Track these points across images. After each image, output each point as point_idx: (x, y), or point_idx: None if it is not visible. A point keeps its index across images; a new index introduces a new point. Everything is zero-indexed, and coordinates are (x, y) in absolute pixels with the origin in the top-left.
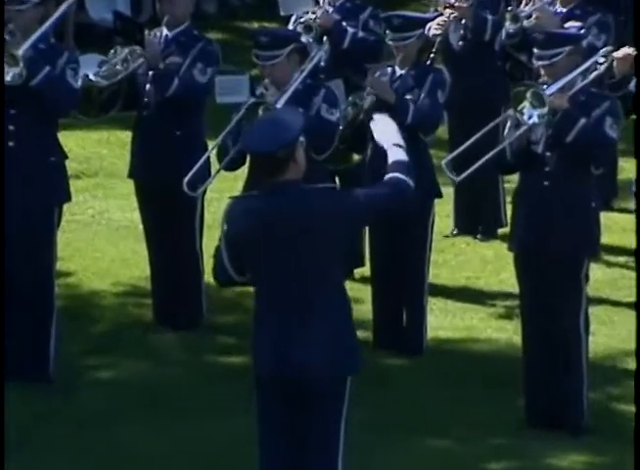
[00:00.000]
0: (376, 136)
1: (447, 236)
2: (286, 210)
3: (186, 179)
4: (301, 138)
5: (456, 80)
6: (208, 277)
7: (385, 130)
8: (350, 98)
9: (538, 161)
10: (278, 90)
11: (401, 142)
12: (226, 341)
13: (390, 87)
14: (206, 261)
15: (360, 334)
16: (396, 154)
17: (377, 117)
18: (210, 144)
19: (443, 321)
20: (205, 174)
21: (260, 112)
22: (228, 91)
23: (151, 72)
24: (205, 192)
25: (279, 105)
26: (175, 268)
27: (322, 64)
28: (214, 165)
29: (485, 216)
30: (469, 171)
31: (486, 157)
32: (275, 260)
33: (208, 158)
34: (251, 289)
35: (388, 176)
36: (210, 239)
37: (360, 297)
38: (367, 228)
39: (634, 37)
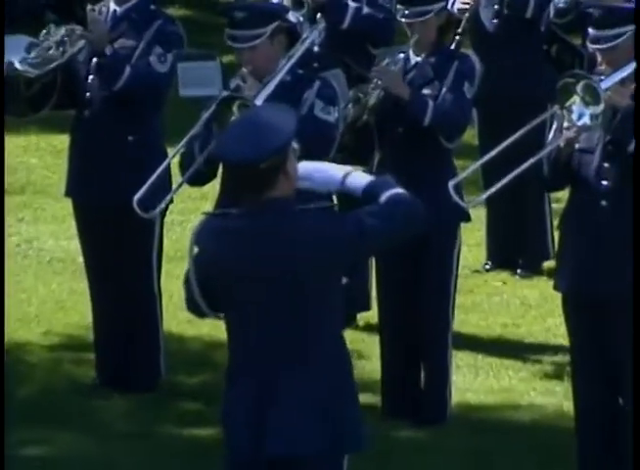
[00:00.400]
0: (315, 180)
1: (478, 271)
2: (273, 235)
3: (137, 196)
4: (294, 144)
5: (488, 69)
6: (168, 325)
7: (321, 168)
8: (352, 93)
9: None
10: (259, 82)
11: (347, 167)
12: (190, 407)
13: (403, 79)
14: (166, 304)
15: (364, 398)
16: (365, 176)
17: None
18: (171, 152)
19: (473, 381)
20: (163, 191)
21: (235, 109)
22: (194, 82)
23: (95, 60)
24: (164, 214)
25: (259, 101)
26: (125, 314)
27: (316, 48)
28: (176, 179)
29: (527, 246)
30: (494, 189)
31: (520, 168)
32: (254, 300)
33: (168, 169)
34: (223, 338)
35: (385, 195)
36: (171, 276)
37: (365, 350)
38: (374, 263)
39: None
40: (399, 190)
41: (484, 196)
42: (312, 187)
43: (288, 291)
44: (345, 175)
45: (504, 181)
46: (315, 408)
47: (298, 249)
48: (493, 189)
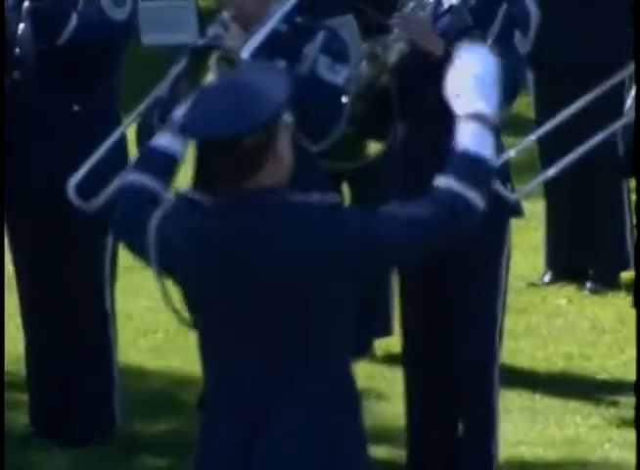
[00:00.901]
0: (448, 89)
1: (534, 284)
2: (258, 237)
3: (74, 181)
4: (287, 117)
5: (549, 16)
6: (125, 355)
7: (466, 78)
8: (367, 47)
9: None
10: (245, 30)
11: (488, 108)
12: (153, 463)
13: (434, 28)
14: (122, 328)
15: (384, 451)
16: (468, 136)
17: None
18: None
19: (528, 430)
20: (115, 175)
21: (213, 64)
22: (161, 26)
23: (27, 4)
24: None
25: (245, 53)
26: (68, 341)
27: None
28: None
29: (600, 251)
30: (551, 172)
31: (587, 146)
32: (233, 319)
33: (123, 141)
34: (196, 373)
35: (440, 182)
36: (128, 292)
37: (385, 388)
38: (396, 273)
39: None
40: (457, 185)
41: (538, 181)
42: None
43: (272, 312)
44: (467, 116)
45: (565, 162)
46: (312, 453)
47: (291, 257)
48: (551, 172)
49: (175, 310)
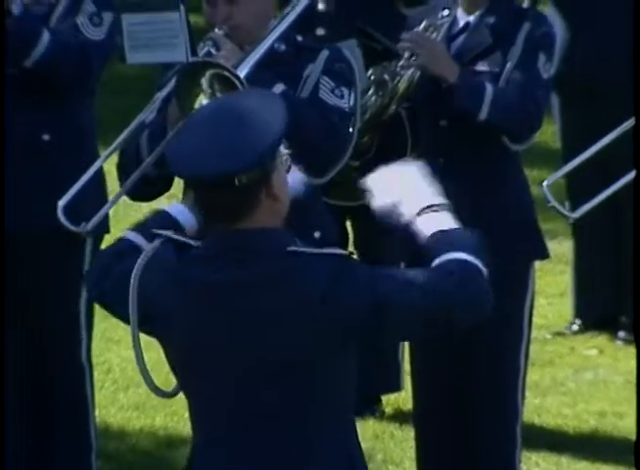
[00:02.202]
0: (379, 201)
1: (561, 334)
2: (252, 291)
3: (63, 202)
4: (283, 148)
5: (575, 33)
6: (105, 413)
7: (397, 184)
8: (373, 72)
9: None
10: (240, 49)
11: (440, 200)
12: None
13: (448, 50)
14: (101, 382)
15: None
16: (439, 221)
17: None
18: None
19: None
20: (92, 208)
21: (205, 83)
22: (148, 43)
23: None
24: (95, 248)
25: (242, 71)
26: (38, 396)
27: (320, 6)
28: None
29: (635, 297)
30: (594, 202)
31: (627, 179)
32: (221, 377)
33: (101, 175)
34: (185, 433)
35: (441, 258)
36: (108, 340)
37: (394, 450)
38: None
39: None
40: (463, 255)
41: (590, 206)
42: (380, 209)
43: (273, 371)
44: (423, 210)
45: (611, 190)
46: None
47: (291, 313)
48: (597, 199)
49: (149, 380)
